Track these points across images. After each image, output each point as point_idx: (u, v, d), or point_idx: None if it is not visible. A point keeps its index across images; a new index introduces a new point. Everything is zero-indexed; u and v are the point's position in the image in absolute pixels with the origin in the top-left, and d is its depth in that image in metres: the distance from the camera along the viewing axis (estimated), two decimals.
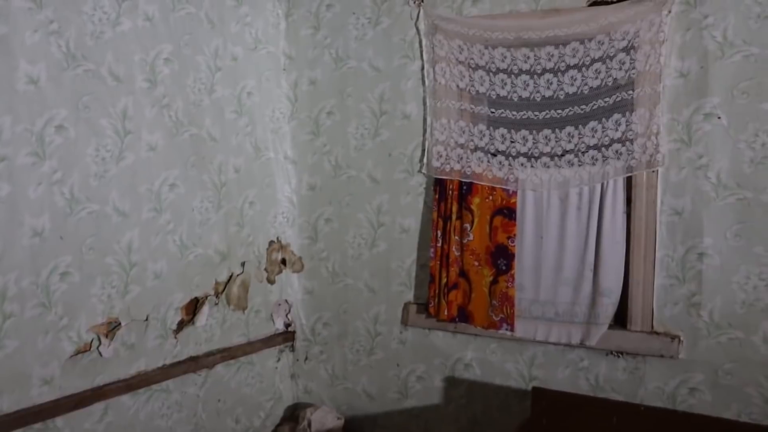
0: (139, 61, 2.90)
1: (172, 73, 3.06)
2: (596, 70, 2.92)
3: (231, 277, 3.42)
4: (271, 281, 3.69)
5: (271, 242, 3.68)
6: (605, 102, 2.90)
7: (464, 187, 3.20)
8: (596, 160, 2.95)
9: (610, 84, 2.89)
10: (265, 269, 3.66)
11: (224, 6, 3.35)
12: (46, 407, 2.59)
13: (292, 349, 3.85)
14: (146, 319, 2.98)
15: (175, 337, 3.13)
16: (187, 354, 3.20)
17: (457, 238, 3.22)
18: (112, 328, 2.83)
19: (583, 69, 2.94)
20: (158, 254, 3.02)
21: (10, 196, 2.44)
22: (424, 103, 3.34)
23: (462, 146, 3.21)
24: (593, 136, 2.94)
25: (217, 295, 3.33)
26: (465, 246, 3.21)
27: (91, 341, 2.76)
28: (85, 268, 2.71)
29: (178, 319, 3.14)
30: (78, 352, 2.71)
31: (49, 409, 2.60)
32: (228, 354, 3.41)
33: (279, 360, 3.79)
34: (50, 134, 2.56)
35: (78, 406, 2.71)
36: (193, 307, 3.21)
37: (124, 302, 2.88)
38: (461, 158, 3.21)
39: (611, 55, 2.88)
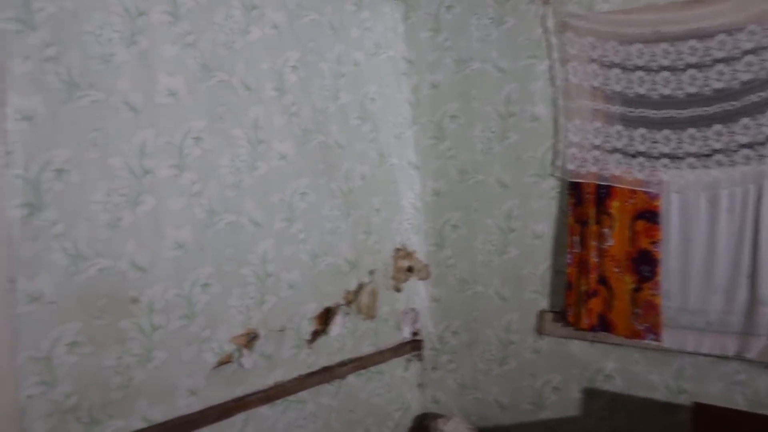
0: (267, 70, 2.89)
1: (299, 80, 3.04)
2: (748, 63, 2.71)
3: (360, 285, 3.36)
4: (397, 289, 3.62)
5: (397, 249, 3.61)
6: (759, 96, 2.69)
7: (602, 191, 3.04)
8: (750, 159, 2.74)
9: (764, 77, 2.68)
10: (392, 277, 3.59)
11: (345, 11, 3.31)
12: (192, 418, 2.59)
13: (420, 357, 3.77)
14: (282, 330, 2.96)
15: (310, 347, 3.10)
16: (321, 364, 3.16)
17: (595, 243, 3.06)
18: (250, 338, 2.81)
19: (733, 62, 2.74)
20: (291, 264, 2.99)
21: (155, 208, 2.45)
22: (555, 104, 3.20)
23: (598, 148, 3.06)
24: (746, 134, 2.73)
25: (348, 304, 3.28)
26: (604, 252, 3.04)
27: (232, 352, 2.75)
28: (224, 279, 2.71)
29: (312, 329, 3.11)
30: (221, 363, 2.70)
31: (196, 419, 2.60)
32: (359, 364, 3.36)
33: (407, 369, 3.72)
34: (189, 146, 2.57)
35: (221, 417, 2.70)
36: (326, 316, 3.17)
37: (261, 313, 2.86)
38: (598, 160, 3.05)
39: (766, 45, 2.67)
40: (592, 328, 3.10)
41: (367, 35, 3.46)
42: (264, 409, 2.89)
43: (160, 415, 2.50)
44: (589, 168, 3.07)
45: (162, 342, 2.50)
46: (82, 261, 2.25)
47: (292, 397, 3.01)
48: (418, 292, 3.72)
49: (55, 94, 2.18)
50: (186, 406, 2.58)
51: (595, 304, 3.08)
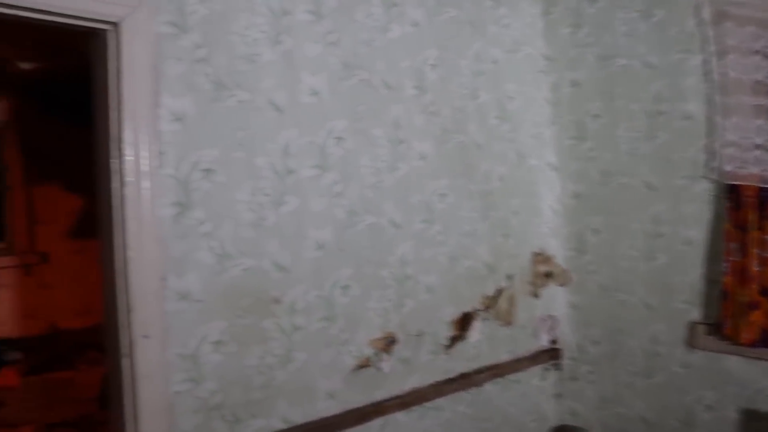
0: (407, 68, 2.84)
1: (438, 78, 2.97)
2: None
3: (498, 290, 3.25)
4: (535, 295, 3.48)
5: (536, 254, 3.47)
6: None
7: (764, 194, 2.79)
8: None
9: None
10: (530, 282, 3.45)
11: (483, 7, 3.22)
12: (331, 421, 2.56)
13: (558, 367, 3.60)
14: (420, 334, 2.89)
15: (446, 353, 3.01)
16: (458, 371, 3.07)
17: (756, 251, 2.80)
18: (389, 342, 2.76)
19: None
20: (430, 267, 2.92)
21: (297, 209, 2.45)
22: (710, 101, 2.97)
23: (760, 147, 2.81)
24: None
25: (485, 309, 3.18)
26: (767, 260, 2.79)
27: (370, 356, 2.70)
28: (363, 281, 2.67)
29: (450, 334, 3.02)
30: (359, 367, 2.67)
31: (334, 423, 2.57)
32: (496, 371, 3.24)
33: (544, 378, 3.56)
34: (331, 146, 2.55)
35: (360, 421, 2.66)
36: (464, 321, 3.08)
37: (399, 316, 2.80)
38: (760, 161, 2.80)
39: None
40: (752, 344, 2.85)
41: (505, 32, 3.34)
42: (400, 415, 2.83)
43: (300, 416, 2.49)
44: (750, 169, 2.82)
45: (302, 343, 2.49)
46: (227, 260, 2.27)
47: (428, 404, 2.94)
48: (556, 298, 3.56)
49: (204, 94, 2.20)
50: (325, 408, 2.56)
51: (757, 318, 2.82)
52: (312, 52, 2.50)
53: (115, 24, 2.02)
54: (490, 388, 3.22)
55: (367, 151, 2.67)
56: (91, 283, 6.20)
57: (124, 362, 2.08)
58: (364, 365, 2.69)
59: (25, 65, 3.16)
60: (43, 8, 1.90)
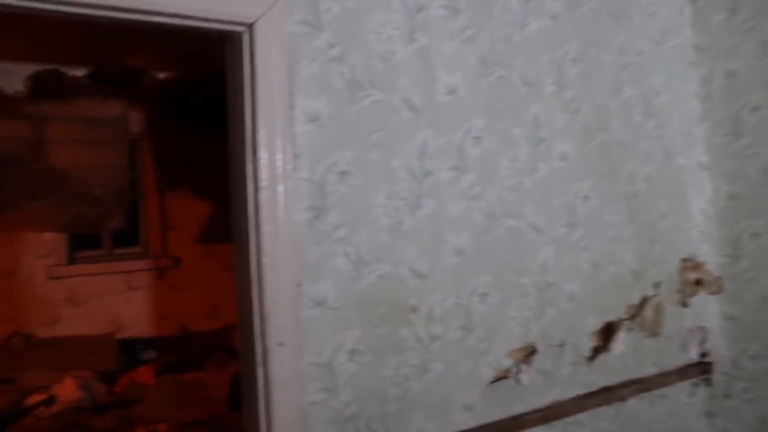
0: (547, 64, 2.67)
1: (579, 74, 2.78)
2: None
3: (644, 299, 3.01)
4: (684, 304, 3.21)
5: (684, 260, 3.20)
6: None
7: None
8: None
9: None
10: (678, 291, 3.19)
11: None
12: None
13: (709, 383, 3.31)
14: (561, 345, 2.71)
15: (589, 365, 2.82)
16: (600, 384, 2.86)
17: None
18: (529, 353, 2.60)
19: None
20: (572, 274, 2.74)
21: (435, 212, 2.33)
22: None
23: None
24: None
25: (630, 318, 2.96)
26: None
27: (509, 367, 2.55)
28: (502, 288, 2.52)
29: (592, 345, 2.83)
30: (497, 379, 2.52)
31: None
32: (641, 386, 3.01)
33: (693, 395, 3.28)
34: (469, 146, 2.42)
35: None
36: (607, 332, 2.87)
37: (540, 326, 2.64)
38: None
39: None
40: None
41: (650, 22, 3.10)
42: (539, 430, 2.66)
43: (436, 429, 2.37)
44: None
45: (439, 353, 2.37)
46: (363, 266, 2.18)
47: (569, 419, 2.75)
48: (707, 308, 3.27)
49: (339, 94, 2.12)
50: (462, 421, 2.43)
51: None
52: (448, 49, 2.38)
53: (249, 25, 1.97)
54: (634, 403, 2.99)
55: (506, 151, 2.53)
56: (218, 287, 6.37)
57: (259, 370, 2.03)
58: (502, 377, 2.54)
59: (160, 74, 3.22)
60: (179, 12, 1.88)
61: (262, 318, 1.98)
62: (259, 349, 2.00)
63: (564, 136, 2.70)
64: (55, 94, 4.06)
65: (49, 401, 4.73)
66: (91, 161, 4.17)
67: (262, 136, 1.94)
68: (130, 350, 5.74)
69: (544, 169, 2.64)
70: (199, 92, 4.50)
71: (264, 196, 1.94)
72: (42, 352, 5.34)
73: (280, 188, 1.97)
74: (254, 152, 1.94)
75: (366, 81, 2.17)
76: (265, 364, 2.01)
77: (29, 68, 3.08)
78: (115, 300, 6.11)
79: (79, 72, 2.94)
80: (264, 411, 2.04)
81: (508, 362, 2.55)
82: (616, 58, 2.93)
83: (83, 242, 6.03)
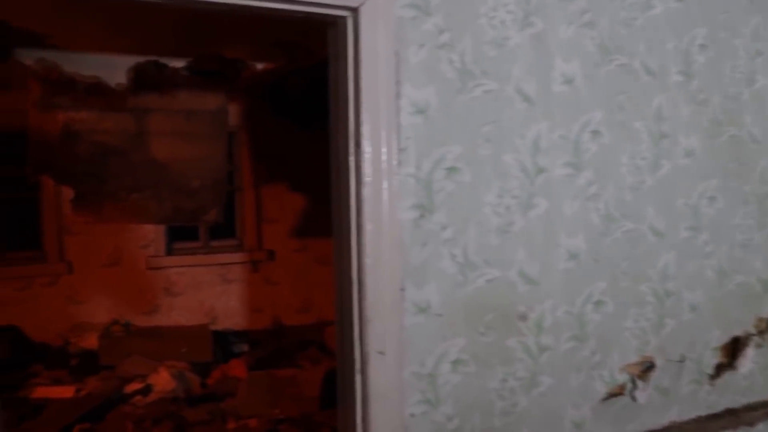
0: (672, 51, 2.43)
1: (708, 62, 2.52)
2: None
3: None
4: None
5: None
6: None
7: None
8: None
9: None
10: None
11: None
12: None
13: None
14: (681, 360, 2.48)
15: (712, 384, 2.57)
16: (724, 405, 2.62)
17: None
18: (645, 368, 2.38)
19: None
20: (695, 282, 2.50)
21: (548, 213, 2.15)
22: None
23: None
24: None
25: (760, 333, 2.68)
26: None
27: (624, 383, 2.35)
28: (619, 296, 2.32)
29: (716, 361, 2.58)
30: (610, 395, 2.32)
31: None
32: None
33: None
34: (585, 141, 2.22)
35: None
36: (733, 347, 2.61)
37: (658, 338, 2.41)
38: None
39: None
40: None
41: None
42: None
43: None
44: None
45: (549, 365, 2.19)
46: (470, 270, 2.02)
47: None
48: None
49: (448, 84, 1.96)
50: None
51: None
52: (565, 35, 2.18)
53: (354, 9, 1.84)
54: (763, 428, 2.72)
55: (626, 146, 2.31)
56: (312, 282, 6.33)
57: (357, 379, 1.90)
58: (616, 393, 2.34)
59: (258, 65, 3.16)
60: None
61: (362, 323, 1.85)
62: (357, 356, 1.87)
63: (689, 131, 2.46)
64: (156, 87, 4.08)
65: (146, 390, 4.77)
66: (189, 154, 4.18)
67: (366, 128, 1.80)
68: (223, 342, 5.76)
69: (667, 167, 2.40)
70: (296, 84, 4.43)
71: (367, 192, 1.81)
72: (140, 340, 5.41)
73: (384, 184, 1.83)
74: (357, 145, 1.81)
75: (477, 69, 2.01)
76: (363, 372, 1.88)
77: (130, 60, 3.09)
78: (210, 292, 6.16)
79: (179, 63, 2.92)
80: (361, 422, 1.91)
81: (623, 377, 2.35)
82: (750, 44, 2.65)
83: (181, 234, 6.10)
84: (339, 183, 1.90)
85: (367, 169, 1.81)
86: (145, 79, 3.71)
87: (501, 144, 2.05)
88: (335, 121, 1.93)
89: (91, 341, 5.56)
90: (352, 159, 1.83)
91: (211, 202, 4.30)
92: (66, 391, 4.84)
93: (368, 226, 1.82)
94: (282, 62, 3.11)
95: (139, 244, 5.92)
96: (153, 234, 5.92)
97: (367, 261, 1.82)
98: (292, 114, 5.48)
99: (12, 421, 4.30)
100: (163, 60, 2.99)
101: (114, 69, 3.06)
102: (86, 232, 5.67)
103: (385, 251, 1.84)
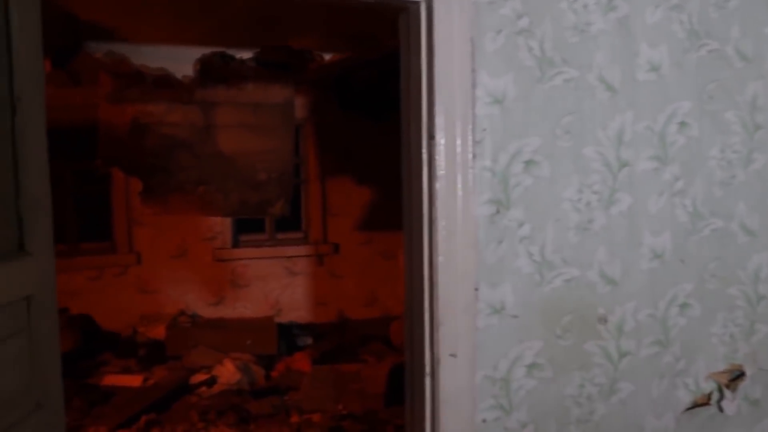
0: None
1: None
2: None
3: None
4: None
5: None
6: None
7: None
8: None
9: None
10: None
11: None
12: None
13: None
14: None
15: None
16: None
17: None
18: (734, 377, 2.23)
19: None
20: None
21: (630, 209, 2.01)
22: None
23: None
24: None
25: None
26: None
27: (710, 392, 2.20)
28: (706, 299, 2.17)
29: None
30: (695, 405, 2.17)
31: None
32: None
33: None
34: (672, 133, 2.08)
35: None
36: None
37: (749, 345, 2.25)
38: None
39: None
40: None
41: None
42: None
43: None
44: None
45: (630, 371, 2.06)
46: (547, 269, 1.91)
47: None
48: None
49: (526, 72, 1.85)
50: None
51: None
52: (652, 19, 2.04)
53: None
54: None
55: (717, 139, 2.15)
56: (377, 276, 6.28)
57: (427, 382, 1.82)
58: (701, 403, 2.19)
59: (326, 56, 3.10)
60: None
61: (434, 324, 1.76)
62: (428, 359, 1.79)
63: None
64: (222, 79, 4.07)
65: (211, 382, 4.79)
66: (256, 147, 4.17)
67: (440, 119, 1.71)
68: (287, 335, 5.76)
69: (762, 161, 2.23)
70: (364, 76, 4.36)
71: (440, 186, 1.72)
72: (206, 332, 5.45)
73: (459, 178, 1.73)
74: (431, 137, 1.72)
75: (557, 56, 1.89)
76: (433, 375, 1.79)
77: (197, 52, 3.07)
78: (275, 284, 6.17)
79: (246, 54, 2.89)
80: (430, 427, 1.83)
81: (709, 386, 2.20)
82: None
83: (247, 226, 6.12)
84: (410, 177, 1.82)
85: (440, 162, 1.72)
86: (211, 72, 3.70)
87: (582, 136, 1.92)
88: (406, 112, 1.85)
89: (158, 331, 5.63)
90: (424, 152, 1.74)
91: (277, 194, 4.27)
92: (134, 380, 4.91)
93: (441, 222, 1.73)
94: (350, 53, 3.04)
95: (205, 236, 5.97)
96: (219, 226, 5.96)
97: (440, 259, 1.73)
98: (360, 106, 5.41)
99: (83, 406, 4.38)
100: (230, 51, 2.96)
101: (181, 61, 3.05)
102: (154, 223, 5.75)
103: (459, 249, 1.75)
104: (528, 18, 1.85)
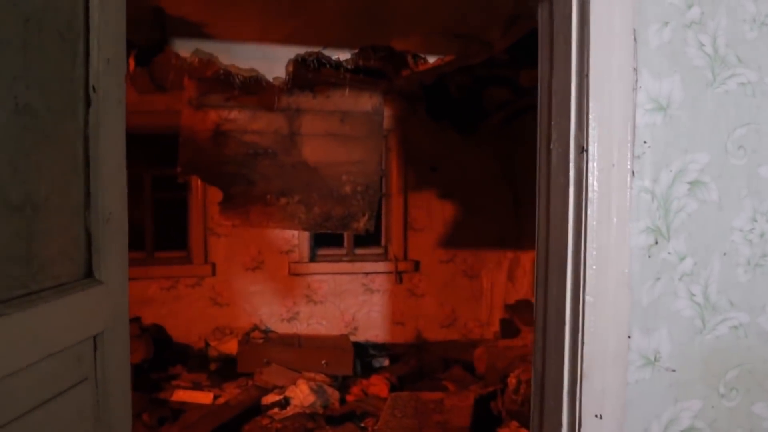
0: None
1: None
2: None
3: None
4: None
5: None
6: None
7: None
8: None
9: None
10: None
11: None
12: None
13: None
14: None
15: None
16: None
17: None
18: None
19: None
20: None
21: None
22: None
23: None
24: None
25: None
26: None
27: None
28: None
29: None
30: None
31: None
32: None
33: None
34: None
35: None
36: None
37: None
38: None
39: None
40: None
41: None
42: None
43: None
44: None
45: None
46: (711, 313, 1.57)
47: None
48: None
49: (696, 73, 1.52)
50: None
51: None
52: None
53: None
54: None
55: None
56: (458, 296, 5.98)
57: None
58: None
59: (431, 58, 2.83)
60: None
61: (575, 377, 1.44)
62: (565, 420, 1.47)
63: None
64: (310, 86, 3.85)
65: (284, 403, 4.56)
66: (342, 157, 3.92)
67: (593, 128, 1.40)
68: (362, 354, 5.51)
69: None
70: (460, 83, 4.07)
71: (592, 210, 1.40)
72: (279, 349, 5.23)
73: (614, 201, 1.41)
74: (581, 149, 1.41)
75: (731, 55, 1.55)
76: None
77: (290, 51, 2.84)
78: (352, 301, 5.92)
79: (344, 55, 2.66)
80: None
81: None
82: None
83: (325, 240, 5.90)
84: (549, 197, 1.51)
85: (593, 180, 1.40)
86: (301, 76, 3.48)
87: (758, 152, 1.58)
88: (545, 118, 1.54)
89: (231, 345, 5.46)
90: (572, 168, 1.43)
91: (362, 209, 4.02)
92: (204, 397, 4.72)
93: (591, 254, 1.41)
94: (453, 56, 2.78)
95: (282, 248, 5.78)
96: (297, 239, 5.76)
97: (588, 299, 1.41)
98: (449, 116, 5.12)
99: (152, 423, 4.21)
100: (327, 51, 2.72)
101: (273, 60, 2.83)
102: (230, 234, 5.59)
103: (611, 287, 1.42)
104: (699, 8, 1.52)
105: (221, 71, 2.61)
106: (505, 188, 5.83)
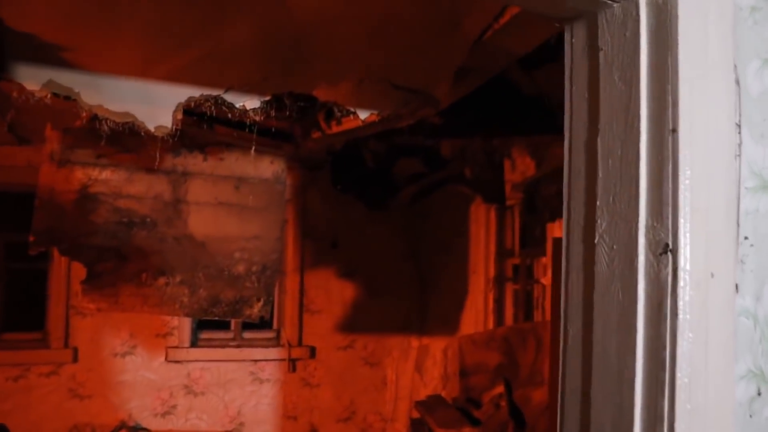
0: None
1: None
2: None
3: None
4: None
5: None
6: None
7: None
8: None
9: None
10: None
11: None
12: None
13: None
14: None
15: None
16: None
17: None
18: None
19: None
20: None
21: None
22: None
23: None
24: None
25: None
26: None
27: None
28: None
29: None
30: None
31: None
32: None
33: None
34: None
35: None
36: None
37: None
38: None
39: None
40: None
41: None
42: None
43: None
44: None
45: None
46: None
47: None
48: None
49: None
50: None
51: None
52: None
53: None
54: None
55: None
56: (357, 386, 5.39)
57: None
58: None
59: (361, 113, 2.29)
60: None
61: None
62: None
63: None
64: (201, 145, 3.25)
65: None
66: (235, 231, 3.30)
67: (684, 215, 0.87)
68: None
69: None
70: (374, 151, 3.56)
71: (685, 342, 0.86)
72: None
73: (712, 334, 0.88)
74: (665, 248, 0.87)
75: None
76: None
77: (180, 92, 2.21)
78: (238, 392, 5.19)
79: (251, 102, 2.12)
80: None
81: None
82: None
83: (209, 322, 5.17)
84: (591, 325, 0.96)
85: (684, 300, 0.86)
86: (191, 133, 2.89)
87: None
88: (579, 196, 1.01)
89: None
90: (641, 277, 0.89)
91: (257, 293, 3.40)
92: None
93: (684, 408, 0.86)
94: (388, 112, 2.28)
95: (159, 331, 5.02)
96: (177, 321, 5.01)
97: None
98: (359, 189, 4.58)
99: None
100: (230, 96, 2.14)
101: (156, 104, 2.20)
102: (98, 314, 4.78)
103: None
104: None
105: (83, 114, 1.97)
106: (410, 268, 5.35)
